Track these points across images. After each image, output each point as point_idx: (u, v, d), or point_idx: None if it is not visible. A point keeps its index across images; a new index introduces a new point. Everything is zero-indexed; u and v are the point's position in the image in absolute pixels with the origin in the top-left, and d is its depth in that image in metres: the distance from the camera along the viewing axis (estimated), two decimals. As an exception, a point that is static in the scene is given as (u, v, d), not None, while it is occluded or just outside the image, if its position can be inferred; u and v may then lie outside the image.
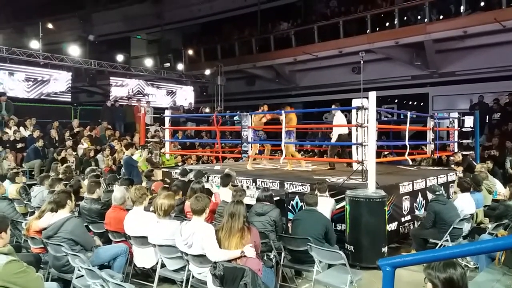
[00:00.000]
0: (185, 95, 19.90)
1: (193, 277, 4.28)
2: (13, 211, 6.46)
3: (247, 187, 7.14)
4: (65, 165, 8.97)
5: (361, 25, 16.28)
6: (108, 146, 11.56)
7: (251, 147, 8.86)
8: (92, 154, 11.32)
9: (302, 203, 6.44)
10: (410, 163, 9.19)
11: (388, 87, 16.62)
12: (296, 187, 6.84)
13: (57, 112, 14.34)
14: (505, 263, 4.19)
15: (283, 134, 7.78)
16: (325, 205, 5.77)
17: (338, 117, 8.72)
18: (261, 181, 7.28)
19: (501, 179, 9.04)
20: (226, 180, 6.36)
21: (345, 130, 8.38)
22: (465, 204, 6.13)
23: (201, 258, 4.05)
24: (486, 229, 5.76)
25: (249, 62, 19.45)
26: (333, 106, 8.82)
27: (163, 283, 4.85)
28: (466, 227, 5.86)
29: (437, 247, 5.39)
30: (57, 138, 12.15)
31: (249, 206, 5.04)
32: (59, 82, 15.38)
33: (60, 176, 7.69)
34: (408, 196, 6.92)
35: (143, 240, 4.64)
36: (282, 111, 7.83)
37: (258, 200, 5.32)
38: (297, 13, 20.60)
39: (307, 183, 6.73)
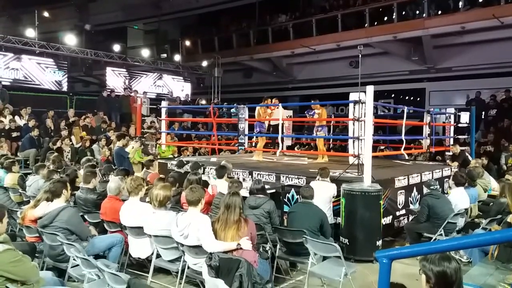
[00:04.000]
0: (182, 87, 19.83)
1: (188, 267, 4.29)
2: (8, 200, 6.45)
3: (243, 180, 7.15)
4: (54, 154, 8.88)
5: (359, 19, 16.21)
6: (104, 136, 11.51)
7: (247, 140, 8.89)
8: (88, 144, 11.28)
9: (298, 196, 6.47)
10: (406, 157, 9.22)
11: (385, 82, 16.64)
12: (292, 180, 6.86)
13: (53, 101, 14.22)
14: (498, 257, 4.23)
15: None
16: (327, 190, 5.88)
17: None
18: (257, 174, 7.28)
19: (495, 175, 9.11)
20: (221, 171, 6.35)
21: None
22: (460, 198, 6.17)
23: (197, 249, 4.06)
24: (480, 224, 5.81)
25: (247, 54, 19.36)
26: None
27: (158, 274, 4.85)
28: (460, 221, 5.90)
29: (431, 241, 5.43)
30: (52, 128, 12.08)
31: (245, 198, 5.05)
32: (55, 71, 15.26)
33: (51, 165, 7.63)
34: (403, 191, 6.95)
35: (138, 231, 4.65)
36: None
37: (251, 193, 5.32)
38: (296, 6, 20.47)
39: (303, 176, 6.75)
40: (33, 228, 4.71)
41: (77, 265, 4.11)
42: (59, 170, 7.01)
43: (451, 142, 10.22)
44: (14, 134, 11.24)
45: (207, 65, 19.37)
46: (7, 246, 3.13)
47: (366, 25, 15.79)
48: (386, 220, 6.41)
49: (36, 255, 4.70)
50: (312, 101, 8.73)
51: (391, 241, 6.60)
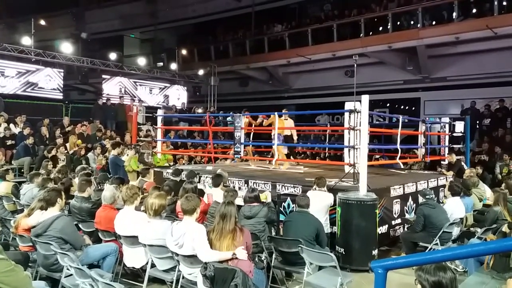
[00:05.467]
0: (178, 95, 19.85)
1: (183, 277, 4.25)
2: (1, 209, 6.39)
3: (239, 188, 7.14)
4: (60, 164, 8.85)
5: (354, 29, 16.35)
6: (99, 145, 11.47)
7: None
8: (83, 152, 11.23)
9: (293, 205, 6.45)
10: (402, 166, 9.24)
11: (381, 91, 16.74)
12: (288, 189, 6.84)
13: (48, 109, 14.19)
14: (494, 267, 4.23)
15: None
16: (323, 200, 5.89)
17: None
18: (253, 182, 7.26)
19: (490, 184, 9.15)
20: (217, 180, 6.34)
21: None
22: (455, 208, 6.18)
23: (192, 259, 4.03)
24: (475, 233, 5.82)
25: (243, 63, 19.45)
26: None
27: (152, 283, 4.81)
28: (456, 231, 5.91)
29: (426, 251, 5.43)
30: (47, 136, 12.03)
31: (240, 208, 5.03)
32: (50, 79, 15.24)
33: (54, 174, 7.61)
34: (399, 200, 6.96)
35: (133, 240, 4.61)
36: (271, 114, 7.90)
37: (245, 201, 5.30)
38: (291, 16, 20.66)
39: (299, 185, 6.74)
40: (26, 237, 4.66)
41: (71, 274, 4.06)
42: (64, 180, 6.94)
43: (446, 152, 10.27)
44: (9, 142, 11.18)
45: (203, 73, 19.42)
46: (0, 255, 3.09)
47: (361, 35, 15.92)
48: (382, 229, 6.41)
49: (29, 264, 4.65)
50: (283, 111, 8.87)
51: (387, 251, 6.58)
